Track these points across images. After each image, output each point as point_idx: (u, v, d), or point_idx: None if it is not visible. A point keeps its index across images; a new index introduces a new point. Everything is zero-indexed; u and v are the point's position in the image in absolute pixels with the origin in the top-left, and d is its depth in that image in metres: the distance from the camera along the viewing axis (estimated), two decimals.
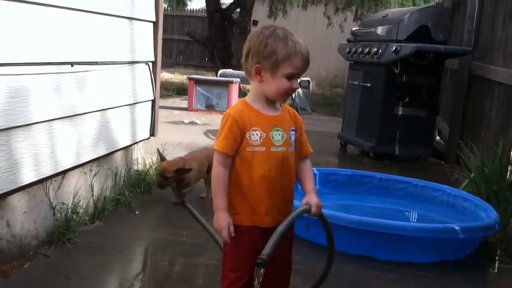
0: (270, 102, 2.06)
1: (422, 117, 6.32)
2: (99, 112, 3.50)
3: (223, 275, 2.14)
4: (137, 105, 4.08)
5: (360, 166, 6.06)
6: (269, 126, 2.03)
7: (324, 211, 3.15)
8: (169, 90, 11.95)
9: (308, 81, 11.03)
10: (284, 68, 1.97)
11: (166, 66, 19.76)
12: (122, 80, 3.83)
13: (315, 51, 14.29)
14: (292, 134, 2.06)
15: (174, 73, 16.68)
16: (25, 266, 2.81)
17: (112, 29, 3.64)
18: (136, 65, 4.06)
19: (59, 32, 3.00)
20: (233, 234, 1.96)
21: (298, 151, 2.11)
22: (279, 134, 2.03)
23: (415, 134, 6.31)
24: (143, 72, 4.18)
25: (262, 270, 1.84)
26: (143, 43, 4.13)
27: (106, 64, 3.56)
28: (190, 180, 3.89)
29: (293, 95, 10.58)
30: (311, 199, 2.06)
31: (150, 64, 4.26)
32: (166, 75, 15.69)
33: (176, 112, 9.13)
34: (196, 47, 19.84)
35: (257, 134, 2.01)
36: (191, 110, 9.38)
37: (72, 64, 3.15)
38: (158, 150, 3.99)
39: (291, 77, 1.99)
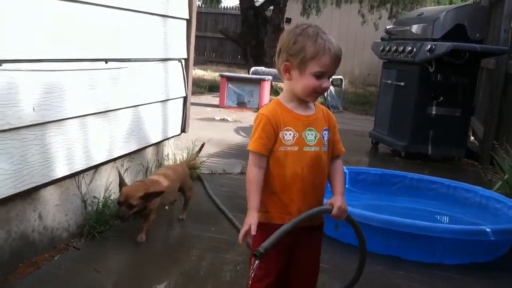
0: (303, 101, 2.05)
1: (456, 117, 6.23)
2: (131, 108, 3.55)
3: (253, 274, 2.14)
4: (169, 101, 4.12)
5: (391, 166, 6.01)
6: (302, 126, 2.02)
7: (352, 209, 3.15)
8: (201, 87, 12.02)
9: (341, 79, 10.96)
10: (312, 65, 1.95)
11: (198, 63, 19.90)
12: (154, 77, 3.87)
13: (348, 49, 14.33)
14: (325, 134, 2.05)
15: (206, 70, 16.77)
16: (56, 258, 2.86)
17: (146, 27, 3.68)
18: (169, 62, 4.10)
19: (94, 29, 3.05)
20: (253, 233, 1.94)
21: (331, 150, 2.10)
22: (312, 134, 2.02)
23: (449, 134, 6.22)
24: (176, 69, 4.21)
25: (257, 262, 1.84)
26: (176, 40, 4.17)
27: (139, 61, 3.61)
28: (154, 206, 3.20)
29: (325, 93, 10.55)
30: (336, 200, 2.04)
31: (183, 61, 4.30)
32: (198, 72, 15.79)
33: (208, 109, 9.18)
34: (229, 44, 19.92)
35: (290, 134, 2.00)
36: (222, 107, 9.42)
37: (106, 60, 3.19)
38: (118, 171, 3.37)
39: (320, 75, 1.96)
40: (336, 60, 1.96)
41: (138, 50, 3.58)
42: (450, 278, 3.11)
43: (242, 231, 1.96)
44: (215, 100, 9.98)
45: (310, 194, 2.03)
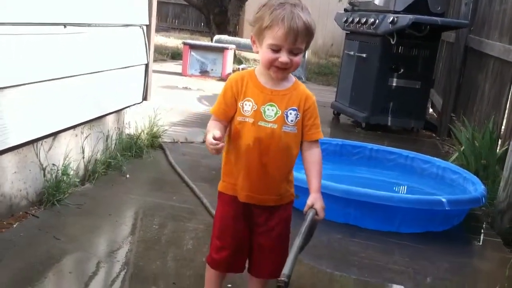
0: (279, 79, 1.98)
1: (416, 89, 6.33)
2: (91, 74, 3.48)
3: (211, 241, 2.15)
4: (130, 68, 4.06)
5: (352, 136, 6.08)
6: (263, 99, 1.96)
7: None
8: (163, 54, 11.86)
9: None
10: (267, 37, 1.88)
11: (161, 30, 19.58)
12: (115, 43, 3.80)
13: (313, 17, 14.25)
14: (290, 113, 1.97)
15: (169, 37, 16.52)
16: (14, 225, 2.83)
17: None
18: (130, 28, 4.02)
19: None
20: (218, 136, 1.89)
21: (303, 134, 2.02)
22: (272, 110, 1.95)
23: (408, 105, 6.34)
24: (137, 35, 4.14)
25: None
26: (138, 6, 4.09)
27: (99, 26, 3.53)
28: None
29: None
30: (316, 202, 1.98)
31: (144, 27, 4.22)
32: (161, 39, 15.52)
33: (170, 77, 9.08)
34: (192, 11, 19.65)
35: (249, 105, 1.96)
36: (185, 75, 9.33)
37: (65, 25, 3.11)
38: None
39: (275, 48, 1.87)
40: (291, 32, 1.84)
41: (99, 15, 3.49)
42: (405, 246, 3.20)
43: (208, 137, 1.90)
44: (178, 68, 9.86)
45: (255, 171, 1.98)
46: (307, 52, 11.20)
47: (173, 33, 18.73)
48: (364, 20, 6.39)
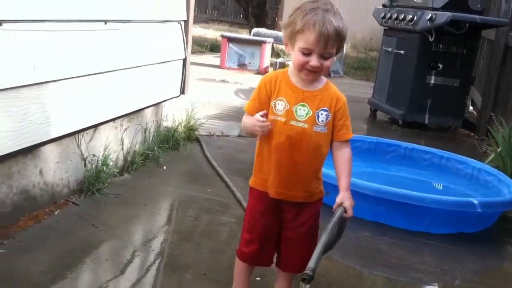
0: (310, 80, 2.03)
1: (454, 87, 6.28)
2: (131, 69, 3.58)
3: (241, 235, 2.24)
4: (168, 63, 4.16)
5: (388, 134, 6.09)
6: (295, 99, 2.02)
7: None
8: (202, 46, 11.99)
9: None
10: (299, 41, 1.93)
11: (200, 21, 19.75)
12: (154, 38, 3.89)
13: (350, 12, 14.14)
14: (321, 114, 2.02)
15: (208, 29, 16.66)
16: (56, 212, 2.96)
17: None
18: (169, 23, 4.12)
19: None
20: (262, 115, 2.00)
21: (333, 134, 2.07)
22: (304, 110, 2.01)
23: (446, 103, 6.28)
24: (175, 31, 4.23)
25: (307, 286, 1.80)
26: (176, 2, 4.18)
27: (139, 22, 3.63)
28: None
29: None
30: (345, 200, 2.03)
31: (182, 23, 4.31)
32: (200, 31, 15.68)
33: (208, 69, 9.19)
34: (231, 3, 19.74)
35: (281, 105, 2.02)
36: (223, 68, 9.43)
37: (105, 21, 3.22)
38: None
39: (306, 52, 1.92)
40: (322, 37, 1.88)
41: (138, 11, 3.59)
42: (435, 246, 3.22)
43: (258, 120, 2.00)
44: (216, 61, 9.97)
45: (285, 168, 2.05)
46: (345, 46, 11.16)
47: (212, 24, 18.88)
48: (402, 16, 6.35)
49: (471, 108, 8.06)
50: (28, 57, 2.59)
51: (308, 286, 1.78)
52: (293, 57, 1.98)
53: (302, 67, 1.96)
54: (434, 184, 4.29)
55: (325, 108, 2.03)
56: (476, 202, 3.28)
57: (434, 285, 2.83)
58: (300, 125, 2.01)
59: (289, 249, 2.19)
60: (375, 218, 3.41)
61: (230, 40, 9.66)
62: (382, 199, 3.32)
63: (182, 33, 4.34)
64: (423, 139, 5.98)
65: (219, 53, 9.94)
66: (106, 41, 3.27)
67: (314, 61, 1.92)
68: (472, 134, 6.49)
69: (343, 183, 2.07)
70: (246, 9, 13.06)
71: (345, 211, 2.02)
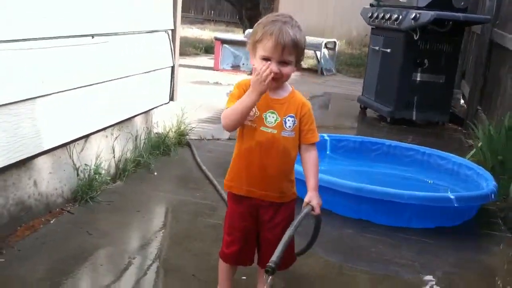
0: (275, 87, 2.17)
1: (440, 83, 6.44)
2: (119, 79, 3.72)
3: (223, 237, 2.39)
4: (156, 71, 4.30)
5: (377, 131, 6.24)
6: (265, 107, 2.16)
7: (325, 176, 3.40)
8: (197, 48, 12.12)
9: (334, 42, 11.07)
10: (259, 49, 2.09)
11: (197, 22, 19.92)
12: (141, 49, 4.03)
13: (346, 9, 14.31)
14: (288, 120, 2.18)
15: (204, 30, 16.79)
16: (51, 221, 3.12)
17: (133, 2, 3.83)
18: (156, 33, 4.26)
19: (80, 6, 3.21)
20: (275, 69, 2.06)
21: (300, 138, 2.23)
22: (273, 117, 2.16)
23: (433, 100, 6.44)
24: (163, 40, 4.38)
25: (270, 278, 1.95)
26: (163, 12, 4.32)
27: (126, 34, 3.77)
28: None
29: (318, 56, 10.70)
30: (313, 199, 2.17)
31: (170, 32, 4.45)
32: (196, 32, 15.84)
33: (202, 71, 9.35)
34: (227, 3, 19.87)
35: (252, 111, 2.13)
36: (217, 70, 9.58)
37: (92, 36, 3.36)
38: None
39: (266, 59, 2.07)
40: (279, 45, 2.04)
41: (124, 24, 3.72)
42: (414, 241, 3.37)
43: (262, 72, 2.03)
44: (210, 63, 10.12)
45: (256, 171, 2.20)
46: (339, 43, 11.30)
47: (208, 25, 19.01)
48: (388, 15, 6.51)
49: (462, 102, 8.20)
50: (18, 76, 2.73)
51: (271, 277, 1.93)
52: (255, 65, 2.12)
53: None
54: (429, 181, 4.39)
55: (291, 115, 2.19)
56: (452, 197, 3.43)
57: (410, 277, 2.97)
58: (269, 131, 2.17)
59: (268, 249, 2.32)
60: (357, 215, 3.56)
61: (224, 42, 9.80)
62: (363, 197, 3.47)
63: (170, 41, 4.49)
64: (411, 135, 6.14)
65: (214, 55, 10.09)
66: (93, 54, 3.41)
67: (273, 67, 2.07)
68: (460, 128, 6.64)
69: (311, 183, 2.23)
70: (240, 11, 13.21)
71: (312, 209, 2.18)
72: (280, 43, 2.05)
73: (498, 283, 2.96)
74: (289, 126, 2.19)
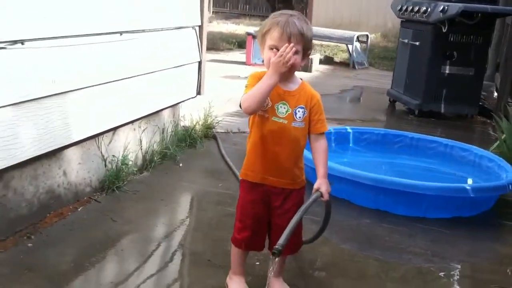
0: (286, 77, 2.27)
1: (469, 76, 6.41)
2: (147, 74, 3.88)
3: (235, 223, 2.52)
4: (184, 66, 4.45)
5: (405, 124, 6.27)
6: (277, 98, 2.27)
7: (343, 168, 3.50)
8: (230, 43, 12.25)
9: (367, 35, 11.06)
10: (267, 40, 2.22)
11: (232, 17, 20.08)
12: (169, 45, 4.19)
13: (381, 1, 14.18)
14: (299, 111, 2.29)
15: (239, 24, 16.92)
16: (79, 209, 3.30)
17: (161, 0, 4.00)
18: (183, 30, 4.41)
19: (109, 5, 3.38)
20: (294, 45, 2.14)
21: (310, 128, 2.34)
22: (284, 108, 2.28)
23: (462, 93, 6.42)
24: (190, 36, 4.52)
25: (276, 259, 2.10)
26: (189, 9, 4.46)
27: (153, 31, 3.92)
28: None
29: (350, 49, 10.70)
30: (322, 185, 2.30)
31: (197, 28, 4.60)
32: (231, 27, 15.99)
33: (234, 66, 9.48)
34: None
35: (265, 101, 2.24)
36: (248, 64, 9.70)
37: (121, 33, 3.53)
38: None
39: (273, 48, 2.20)
40: (285, 34, 2.17)
41: (151, 21, 3.87)
42: (430, 230, 3.43)
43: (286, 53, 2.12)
44: (243, 57, 10.24)
45: (269, 158, 2.32)
46: (374, 36, 11.24)
47: (243, 19, 19.13)
48: (417, 8, 6.52)
49: (495, 94, 8.12)
50: (49, 71, 2.91)
51: (277, 259, 2.08)
52: (264, 56, 2.25)
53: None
54: (454, 173, 4.42)
55: (301, 106, 2.31)
56: (468, 187, 3.48)
57: (422, 265, 3.03)
58: (281, 121, 2.28)
59: (279, 235, 2.42)
60: (375, 206, 3.63)
61: (255, 37, 9.89)
62: (381, 187, 3.55)
63: (197, 37, 4.63)
64: (439, 128, 6.14)
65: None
66: (121, 50, 3.58)
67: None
68: (489, 121, 6.59)
69: (320, 171, 2.35)
70: (273, 4, 13.29)
71: (321, 195, 2.29)
72: (286, 31, 2.17)
73: (508, 271, 3.00)
74: (299, 117, 2.30)
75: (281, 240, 2.05)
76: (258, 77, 2.27)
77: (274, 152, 2.31)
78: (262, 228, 2.46)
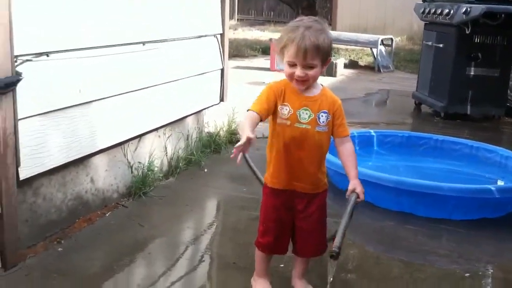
0: (307, 88, 2.30)
1: (495, 77, 6.36)
2: (170, 83, 3.96)
3: (258, 227, 2.55)
4: (206, 74, 4.52)
5: (431, 126, 6.24)
6: (299, 104, 2.30)
7: (366, 171, 3.52)
8: (254, 50, 12.34)
9: (391, 38, 11.03)
10: (285, 55, 2.24)
11: (257, 23, 20.20)
12: (191, 53, 4.26)
13: (406, 4, 14.13)
14: (322, 116, 2.32)
15: (264, 31, 17.02)
16: (107, 214, 3.38)
17: (180, 8, 4.06)
18: (205, 38, 4.48)
19: (131, 16, 3.46)
20: (252, 135, 2.07)
21: (333, 132, 2.37)
22: (306, 113, 2.30)
23: (488, 94, 6.37)
24: (212, 44, 4.59)
25: (335, 262, 2.09)
26: (210, 18, 4.53)
27: (175, 40, 4.00)
28: None
29: (375, 53, 10.68)
30: (357, 186, 2.30)
31: (219, 36, 4.67)
32: (256, 34, 16.10)
33: (258, 72, 9.54)
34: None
35: (286, 109, 2.29)
36: (273, 70, 9.76)
37: (143, 43, 3.61)
38: None
39: (291, 64, 2.22)
40: (300, 51, 2.17)
41: (173, 31, 3.95)
42: (455, 232, 3.42)
43: (239, 144, 2.08)
44: (267, 63, 10.30)
45: (293, 164, 2.35)
46: (399, 39, 11.17)
47: (268, 26, 19.21)
48: (440, 10, 6.50)
49: None
50: (74, 81, 3.00)
51: (336, 262, 2.07)
52: (284, 69, 2.28)
53: (291, 78, 2.27)
54: (486, 176, 4.37)
55: (325, 110, 2.34)
56: (493, 188, 3.45)
57: (447, 266, 3.03)
58: (303, 126, 2.30)
59: (303, 237, 2.49)
60: (399, 208, 3.63)
61: None
62: (404, 190, 3.55)
63: (219, 45, 4.70)
64: (466, 129, 6.10)
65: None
66: (144, 60, 3.66)
67: (298, 71, 2.22)
68: None
69: (352, 173, 2.36)
70: (297, 10, 13.34)
71: (358, 196, 2.30)
72: (301, 49, 2.18)
73: None
74: (323, 122, 2.33)
75: (337, 242, 2.05)
76: (274, 90, 2.30)
77: (298, 157, 2.34)
78: (285, 232, 2.49)
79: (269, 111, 2.30)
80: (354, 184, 2.32)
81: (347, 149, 2.40)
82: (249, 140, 2.06)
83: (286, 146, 2.33)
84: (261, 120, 2.27)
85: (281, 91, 2.32)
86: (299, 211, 2.44)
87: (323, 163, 2.45)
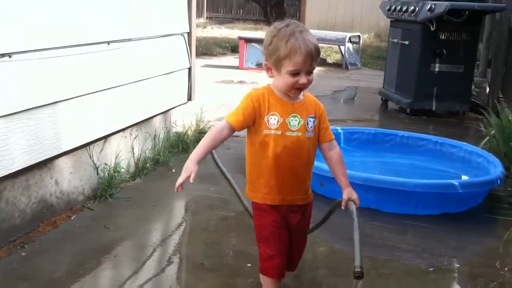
0: (295, 95, 2.22)
1: (459, 73, 6.47)
2: (136, 82, 3.93)
3: (259, 252, 2.37)
4: (173, 73, 4.50)
5: (397, 122, 6.33)
6: (287, 112, 2.20)
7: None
8: (223, 47, 12.32)
9: (358, 36, 11.12)
10: (286, 65, 2.11)
11: (226, 21, 20.15)
12: (157, 52, 4.24)
13: (374, 1, 14.24)
14: (310, 121, 2.24)
15: (233, 29, 17.00)
16: (72, 217, 3.34)
17: (146, 7, 4.03)
18: (172, 37, 4.46)
19: (95, 15, 3.42)
20: (192, 181, 2.24)
21: (319, 137, 2.30)
22: (295, 120, 2.21)
23: (452, 90, 6.48)
24: (179, 43, 4.57)
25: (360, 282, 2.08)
26: (177, 16, 4.51)
27: (140, 39, 3.97)
28: None
29: (343, 50, 10.77)
30: (352, 195, 2.31)
31: (186, 35, 4.65)
32: (225, 32, 16.06)
33: (228, 71, 9.54)
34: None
35: (274, 119, 2.19)
36: (242, 69, 9.76)
37: (108, 42, 3.58)
38: None
39: (295, 73, 2.12)
40: (308, 57, 2.10)
41: (137, 30, 3.92)
42: (419, 227, 3.48)
43: (181, 179, 2.21)
44: (236, 62, 10.29)
45: (286, 175, 2.24)
46: (367, 36, 11.28)
47: (237, 24, 19.19)
48: (405, 8, 6.58)
49: (488, 90, 8.16)
50: (38, 82, 2.96)
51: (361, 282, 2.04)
52: (282, 80, 2.16)
53: (292, 88, 2.17)
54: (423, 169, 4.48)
55: (312, 115, 2.26)
56: (456, 183, 3.52)
57: (411, 260, 3.07)
58: (295, 134, 2.22)
59: (294, 251, 2.42)
60: (366, 204, 3.66)
61: (248, 41, 9.96)
62: (370, 186, 3.59)
63: (186, 44, 4.68)
64: (431, 125, 6.20)
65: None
66: (110, 59, 3.63)
67: (303, 79, 2.14)
68: (481, 117, 6.64)
69: (344, 181, 2.34)
70: (265, 8, 13.36)
71: (355, 203, 2.32)
72: (309, 55, 2.10)
73: (497, 264, 3.04)
74: (311, 127, 2.25)
75: (357, 261, 1.98)
76: (254, 99, 2.20)
77: (291, 167, 2.24)
78: (286, 249, 2.34)
79: (244, 124, 2.23)
80: (349, 193, 2.31)
81: (336, 155, 2.35)
82: (188, 178, 2.20)
83: (276, 157, 2.22)
84: (235, 131, 2.24)
85: (263, 100, 2.21)
86: (293, 226, 2.36)
87: (312, 169, 2.38)
